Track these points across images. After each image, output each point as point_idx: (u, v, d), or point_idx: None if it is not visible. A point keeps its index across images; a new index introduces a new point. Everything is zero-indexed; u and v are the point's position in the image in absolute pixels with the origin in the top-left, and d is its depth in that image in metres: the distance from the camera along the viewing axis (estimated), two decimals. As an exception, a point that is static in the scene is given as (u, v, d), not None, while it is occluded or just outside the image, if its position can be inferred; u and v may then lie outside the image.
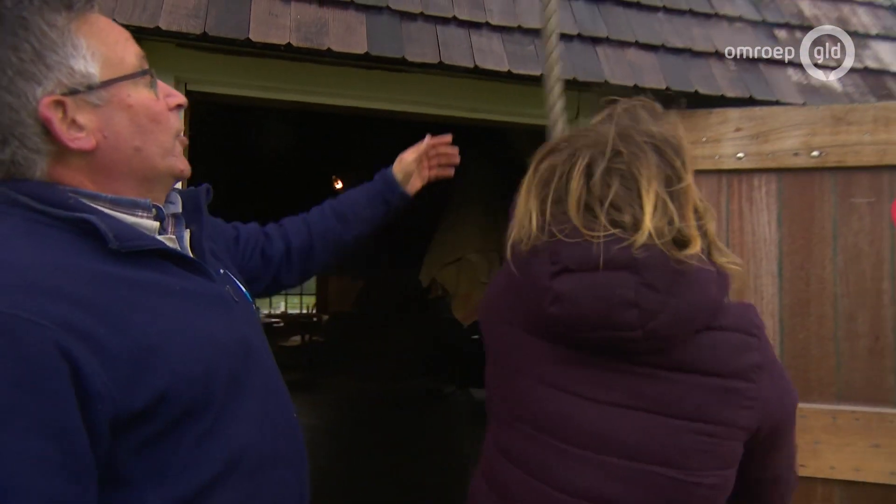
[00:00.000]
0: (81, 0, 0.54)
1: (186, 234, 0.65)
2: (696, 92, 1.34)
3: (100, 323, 0.47)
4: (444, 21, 1.33)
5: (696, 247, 0.56)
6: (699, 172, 1.36)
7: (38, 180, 0.54)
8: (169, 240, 0.61)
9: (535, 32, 1.37)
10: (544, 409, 0.62)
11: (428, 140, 1.05)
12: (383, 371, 5.56)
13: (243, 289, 0.69)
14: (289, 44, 1.16)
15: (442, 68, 1.26)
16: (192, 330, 0.54)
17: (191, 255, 0.62)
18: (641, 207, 0.57)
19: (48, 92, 0.51)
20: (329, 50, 1.19)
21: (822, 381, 1.25)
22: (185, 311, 0.55)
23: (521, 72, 1.29)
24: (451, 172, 1.09)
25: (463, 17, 1.34)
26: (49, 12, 0.52)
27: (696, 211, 0.60)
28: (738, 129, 1.33)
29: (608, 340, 0.58)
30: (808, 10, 1.67)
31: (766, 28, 1.57)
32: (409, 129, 1.35)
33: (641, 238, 0.55)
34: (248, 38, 1.14)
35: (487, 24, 1.35)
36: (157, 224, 0.59)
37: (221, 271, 0.66)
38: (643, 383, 0.58)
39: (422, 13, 1.32)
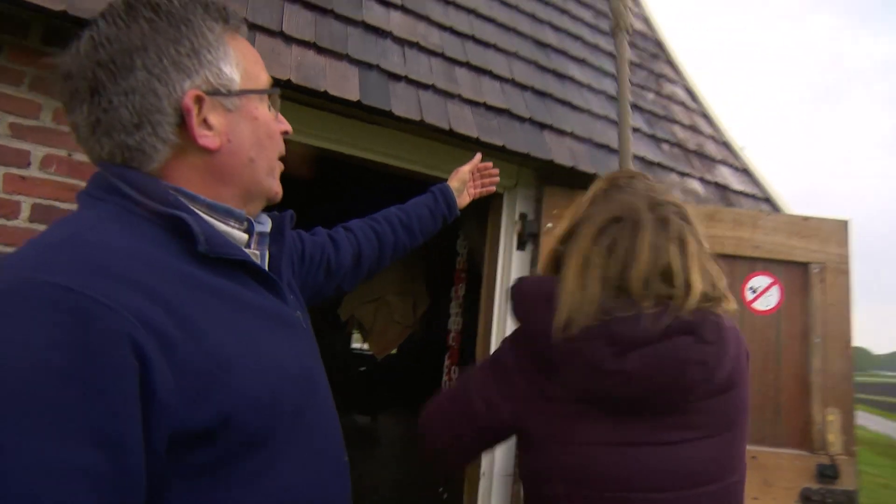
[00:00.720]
0: (236, 18, 0.59)
1: (266, 255, 0.64)
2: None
3: (175, 325, 0.44)
4: (425, 87, 1.50)
5: (732, 304, 0.63)
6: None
7: (147, 173, 0.53)
8: (253, 255, 0.60)
9: (496, 110, 1.62)
10: (621, 468, 0.62)
11: (478, 157, 1.13)
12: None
13: (305, 318, 0.67)
14: (289, 80, 1.22)
15: (422, 125, 1.42)
16: (262, 351, 0.51)
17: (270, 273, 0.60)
18: (690, 274, 0.61)
19: (195, 86, 0.53)
20: (325, 92, 1.27)
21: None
22: (258, 329, 0.53)
23: (487, 140, 1.51)
24: (493, 190, 1.17)
25: (440, 86, 1.53)
26: (209, 20, 0.56)
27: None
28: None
29: (677, 400, 0.62)
30: (679, 133, 2.23)
31: (656, 141, 2.06)
32: (367, 174, 1.43)
33: (693, 303, 0.60)
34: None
35: (460, 97, 1.56)
36: (245, 237, 0.59)
37: (292, 297, 0.64)
38: (699, 417, 0.63)
39: (406, 76, 1.48)
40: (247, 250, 0.59)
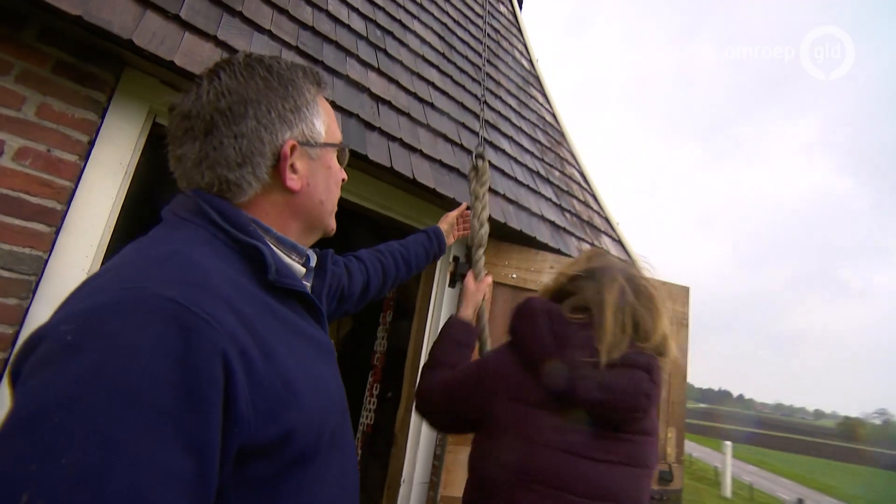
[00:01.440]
0: (326, 83, 0.70)
1: (310, 287, 0.70)
2: (535, 238, 2.09)
3: (255, 344, 0.46)
4: (394, 139, 1.75)
5: (672, 356, 0.83)
6: (531, 291, 2.05)
7: (235, 204, 0.58)
8: (307, 287, 0.65)
9: (448, 167, 1.92)
10: (566, 471, 0.75)
11: (464, 206, 1.32)
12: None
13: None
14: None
15: (392, 173, 1.65)
16: (314, 375, 0.55)
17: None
18: (655, 327, 0.82)
19: (293, 136, 0.61)
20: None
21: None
22: (311, 355, 0.56)
23: (441, 191, 1.79)
24: (468, 233, 1.34)
25: (406, 140, 1.79)
26: (308, 82, 0.65)
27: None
28: (551, 267, 2.10)
29: (620, 418, 0.77)
30: (577, 206, 2.78)
31: (561, 210, 2.55)
32: (340, 212, 1.60)
33: (650, 348, 0.81)
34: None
35: (421, 152, 1.83)
36: (303, 270, 0.65)
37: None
38: (626, 446, 0.79)
39: (379, 128, 1.71)
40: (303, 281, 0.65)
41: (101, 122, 1.23)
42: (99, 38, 1.15)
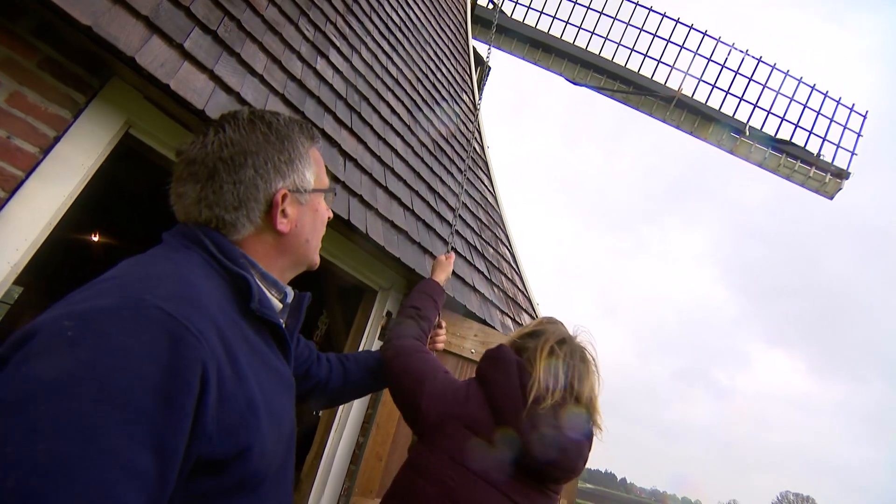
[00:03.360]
0: (318, 138, 0.77)
1: (283, 323, 0.73)
2: (465, 306, 2.26)
3: (229, 364, 0.50)
4: (354, 194, 1.88)
5: (599, 420, 0.95)
6: (453, 355, 2.18)
7: (232, 240, 0.64)
8: (281, 321, 0.68)
9: (398, 229, 2.07)
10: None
11: (440, 321, 1.34)
12: None
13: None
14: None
15: (349, 227, 1.75)
16: (273, 405, 0.57)
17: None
18: (583, 386, 0.93)
19: (285, 185, 0.67)
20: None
21: None
22: (272, 385, 0.59)
23: (389, 250, 1.91)
24: (440, 349, 1.37)
25: (365, 198, 1.93)
26: (302, 137, 0.72)
27: None
28: (475, 335, 2.27)
29: (558, 476, 0.88)
30: (505, 283, 3.03)
31: (491, 284, 2.78)
32: None
33: (582, 407, 0.93)
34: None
35: (376, 211, 1.97)
36: (280, 306, 0.69)
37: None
38: (544, 499, 0.90)
39: (343, 182, 1.84)
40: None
41: (73, 121, 1.23)
42: (97, 45, 1.19)
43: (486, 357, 1.03)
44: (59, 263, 5.08)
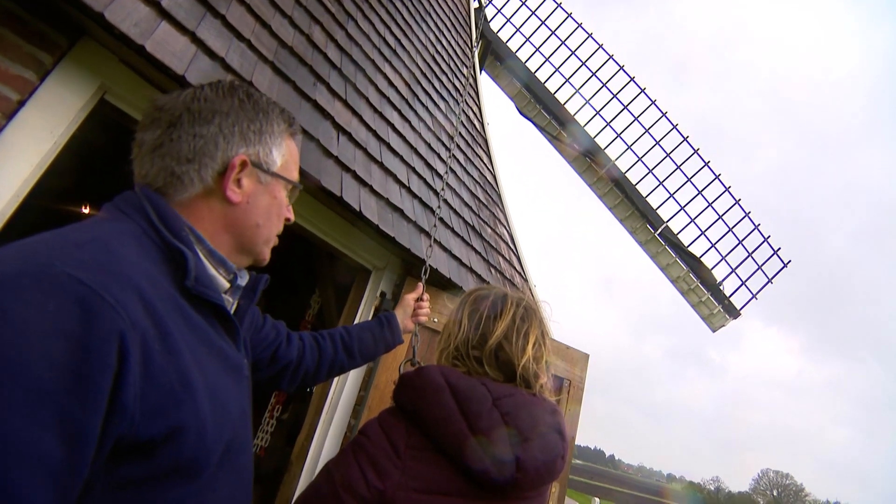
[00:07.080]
0: (297, 127, 0.76)
1: (235, 304, 0.70)
2: (461, 288, 2.20)
3: (158, 337, 0.47)
4: (347, 170, 1.80)
5: (542, 382, 0.86)
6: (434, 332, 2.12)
7: (175, 202, 0.61)
8: (227, 302, 0.67)
9: (394, 207, 1.99)
10: None
11: (420, 289, 1.28)
12: None
13: (249, 369, 0.71)
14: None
15: (341, 204, 1.68)
16: (215, 386, 0.55)
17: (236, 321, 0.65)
18: (544, 366, 0.83)
19: (247, 153, 0.65)
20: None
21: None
22: (215, 366, 0.56)
23: (383, 228, 1.84)
24: (426, 320, 1.30)
25: (359, 173, 1.84)
26: (280, 119, 0.71)
27: None
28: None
29: (530, 488, 0.73)
30: (502, 263, 2.97)
31: (487, 265, 2.72)
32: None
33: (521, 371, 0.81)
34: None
35: (371, 188, 1.89)
36: (227, 285, 0.66)
37: (244, 348, 0.70)
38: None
39: (336, 157, 1.75)
40: (224, 295, 0.66)
41: (40, 84, 1.13)
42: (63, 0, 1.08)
43: (408, 389, 0.82)
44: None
